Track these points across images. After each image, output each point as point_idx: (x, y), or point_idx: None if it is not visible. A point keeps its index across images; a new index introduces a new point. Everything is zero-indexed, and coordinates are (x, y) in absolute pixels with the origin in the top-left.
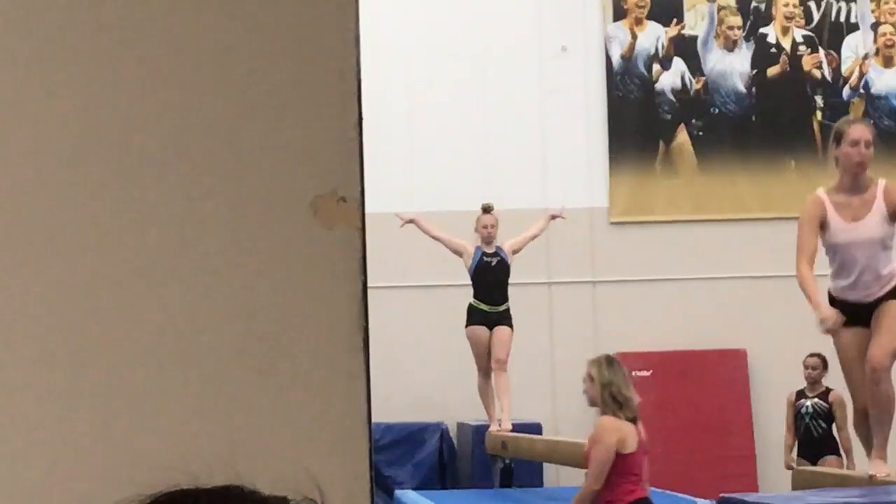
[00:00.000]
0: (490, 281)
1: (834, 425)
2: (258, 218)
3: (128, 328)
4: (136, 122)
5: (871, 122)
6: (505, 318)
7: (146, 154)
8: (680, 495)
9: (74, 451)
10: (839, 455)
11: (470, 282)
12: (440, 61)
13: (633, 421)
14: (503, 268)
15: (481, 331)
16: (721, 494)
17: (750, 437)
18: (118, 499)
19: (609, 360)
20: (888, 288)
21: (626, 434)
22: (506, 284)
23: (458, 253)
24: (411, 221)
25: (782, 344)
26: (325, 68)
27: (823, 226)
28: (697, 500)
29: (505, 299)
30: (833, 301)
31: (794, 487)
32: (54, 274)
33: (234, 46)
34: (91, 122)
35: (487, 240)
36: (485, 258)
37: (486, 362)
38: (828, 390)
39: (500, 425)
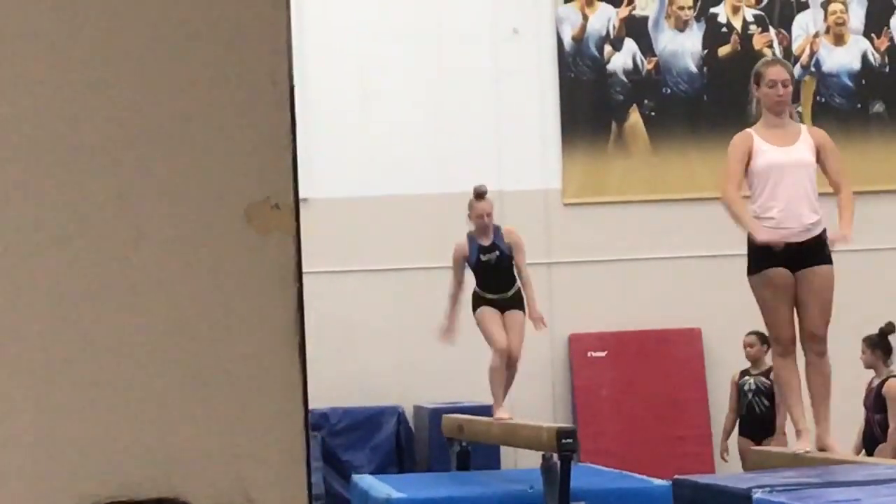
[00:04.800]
0: (491, 276)
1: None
2: (191, 226)
3: (55, 338)
4: (62, 129)
5: (823, 100)
6: (517, 302)
7: (74, 162)
8: (636, 475)
9: None
10: (784, 434)
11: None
12: (393, 45)
13: None
14: (504, 261)
15: (491, 311)
16: (675, 476)
17: (706, 416)
18: None
19: None
20: (816, 232)
21: None
22: (510, 270)
23: (460, 266)
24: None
25: (737, 322)
26: (256, 75)
27: (752, 155)
28: (654, 480)
29: (512, 283)
30: (755, 243)
31: (747, 468)
32: None
33: (162, 54)
34: (15, 130)
35: (483, 230)
36: (482, 256)
37: (504, 342)
38: (772, 368)
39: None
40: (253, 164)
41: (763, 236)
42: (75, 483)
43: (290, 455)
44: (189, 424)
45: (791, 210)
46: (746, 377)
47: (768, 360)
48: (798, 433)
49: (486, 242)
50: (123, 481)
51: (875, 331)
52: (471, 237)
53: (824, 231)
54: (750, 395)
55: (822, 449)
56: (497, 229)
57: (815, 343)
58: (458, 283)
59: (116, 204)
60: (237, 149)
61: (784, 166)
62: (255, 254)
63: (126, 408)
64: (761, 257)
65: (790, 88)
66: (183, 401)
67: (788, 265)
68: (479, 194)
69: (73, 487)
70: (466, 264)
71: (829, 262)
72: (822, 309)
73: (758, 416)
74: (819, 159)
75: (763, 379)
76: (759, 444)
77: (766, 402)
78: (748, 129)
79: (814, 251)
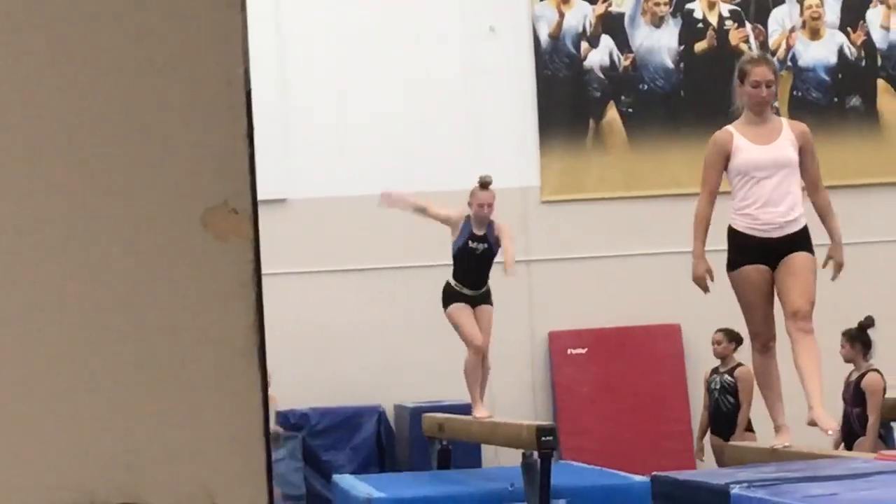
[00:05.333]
0: (473, 267)
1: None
2: (148, 232)
3: (8, 344)
4: (16, 133)
5: (799, 94)
6: (486, 298)
7: (27, 167)
8: (617, 472)
9: None
10: (753, 430)
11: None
12: (370, 45)
13: None
14: (488, 255)
15: (463, 307)
16: (654, 473)
17: (686, 411)
18: None
19: None
20: (796, 228)
21: None
22: (489, 269)
23: (446, 222)
24: (417, 210)
25: (716, 318)
26: (211, 77)
27: (732, 153)
28: (634, 476)
29: (486, 281)
30: (737, 238)
31: (723, 464)
32: None
33: (113, 56)
34: None
35: (481, 220)
36: (471, 243)
37: (480, 339)
38: (738, 365)
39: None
40: (209, 168)
41: (698, 272)
42: (35, 491)
43: (250, 457)
44: (149, 429)
45: (770, 208)
46: (714, 375)
47: (737, 357)
48: (777, 429)
49: (479, 232)
50: (84, 488)
51: (854, 325)
52: (467, 222)
53: (805, 227)
54: (716, 394)
55: (812, 422)
56: (491, 224)
57: (800, 320)
58: (430, 211)
59: (69, 209)
60: (192, 153)
61: (764, 164)
62: (212, 259)
63: (85, 413)
64: (741, 254)
65: (773, 88)
66: (142, 406)
67: (767, 262)
68: (484, 184)
69: (32, 495)
70: (453, 239)
71: (812, 251)
72: (804, 288)
73: (724, 414)
74: (800, 159)
75: (727, 377)
76: (727, 441)
77: (731, 400)
78: (728, 127)
79: (793, 243)
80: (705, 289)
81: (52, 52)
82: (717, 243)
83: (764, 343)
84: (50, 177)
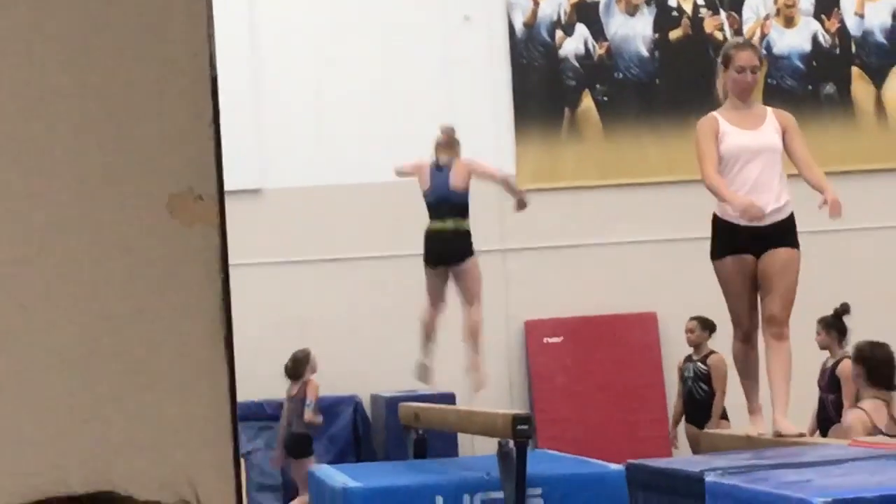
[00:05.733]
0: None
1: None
2: (113, 219)
3: None
4: None
5: (774, 82)
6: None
7: None
8: (593, 461)
9: None
10: (727, 419)
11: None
12: (345, 34)
13: None
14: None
15: (433, 277)
16: (628, 461)
17: (662, 399)
18: None
19: None
20: (783, 216)
21: None
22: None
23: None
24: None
25: (693, 306)
26: (177, 65)
27: (719, 139)
28: (611, 465)
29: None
30: (723, 226)
31: (697, 452)
32: None
33: (79, 43)
34: None
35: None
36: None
37: (428, 315)
38: (710, 353)
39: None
40: (173, 155)
41: (745, 202)
42: (9, 479)
43: (219, 443)
44: (118, 417)
45: (756, 195)
46: (688, 363)
47: (710, 345)
48: (752, 416)
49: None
50: (57, 477)
51: (829, 312)
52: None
53: (792, 215)
54: (689, 382)
55: (777, 434)
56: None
57: (774, 326)
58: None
59: (35, 196)
60: (156, 139)
61: (750, 150)
62: (178, 246)
63: (54, 403)
64: (726, 242)
65: (758, 74)
66: (111, 394)
67: (753, 250)
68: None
69: (6, 484)
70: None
71: (796, 245)
72: (784, 292)
73: (698, 402)
74: (784, 142)
75: (701, 365)
76: (701, 429)
77: (704, 388)
78: (713, 113)
79: (779, 234)
80: (761, 211)
81: (13, 36)
82: (692, 231)
83: (746, 332)
84: (11, 163)
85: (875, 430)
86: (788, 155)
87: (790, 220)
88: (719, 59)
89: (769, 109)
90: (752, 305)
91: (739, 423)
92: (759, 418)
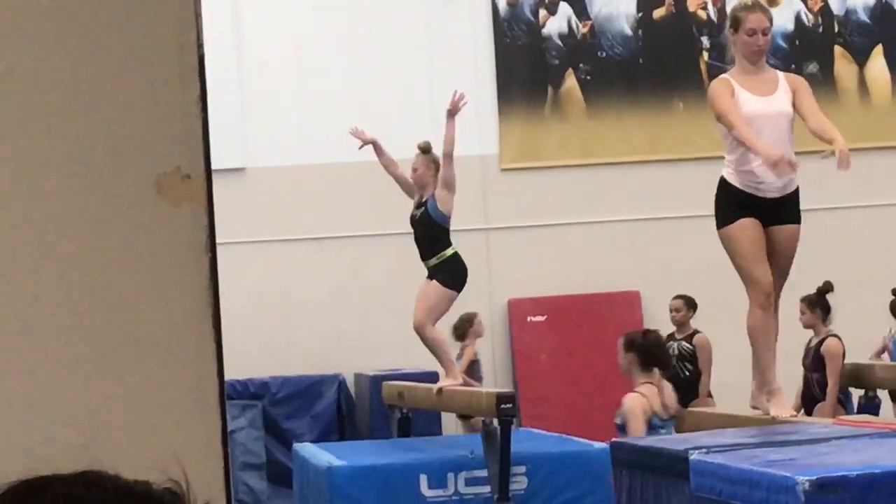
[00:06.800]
0: (416, 235)
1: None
2: (102, 198)
3: None
4: None
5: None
6: (435, 273)
7: None
8: (576, 439)
9: None
10: (711, 396)
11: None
12: (328, 13)
13: None
14: (424, 220)
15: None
16: (612, 440)
17: None
18: None
19: None
20: (791, 189)
21: None
22: (431, 238)
23: (409, 194)
24: (371, 143)
25: (675, 284)
26: (164, 45)
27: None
28: (594, 443)
29: (431, 254)
30: (732, 192)
31: (682, 430)
32: None
33: (65, 23)
34: None
35: (420, 184)
36: (414, 209)
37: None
38: (695, 332)
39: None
40: (161, 134)
41: (777, 154)
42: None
43: (206, 420)
44: (106, 396)
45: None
46: (671, 342)
47: (693, 324)
48: (773, 397)
49: (419, 199)
50: (45, 455)
51: (813, 291)
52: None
53: (797, 189)
54: (674, 360)
55: (754, 406)
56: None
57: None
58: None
59: (23, 177)
60: (144, 118)
61: (765, 117)
62: (166, 224)
63: (42, 382)
64: (735, 208)
65: (769, 36)
66: (98, 373)
67: (760, 219)
68: (420, 149)
69: None
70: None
71: (798, 220)
72: (783, 268)
73: (683, 381)
74: (794, 104)
75: (685, 344)
76: (686, 407)
77: (689, 367)
78: (725, 76)
79: (786, 208)
80: (795, 163)
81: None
82: (676, 210)
83: (766, 295)
84: (7, 147)
85: (652, 414)
86: (797, 111)
87: (797, 193)
88: (729, 22)
89: (780, 73)
90: (767, 268)
91: (724, 401)
92: (780, 399)
